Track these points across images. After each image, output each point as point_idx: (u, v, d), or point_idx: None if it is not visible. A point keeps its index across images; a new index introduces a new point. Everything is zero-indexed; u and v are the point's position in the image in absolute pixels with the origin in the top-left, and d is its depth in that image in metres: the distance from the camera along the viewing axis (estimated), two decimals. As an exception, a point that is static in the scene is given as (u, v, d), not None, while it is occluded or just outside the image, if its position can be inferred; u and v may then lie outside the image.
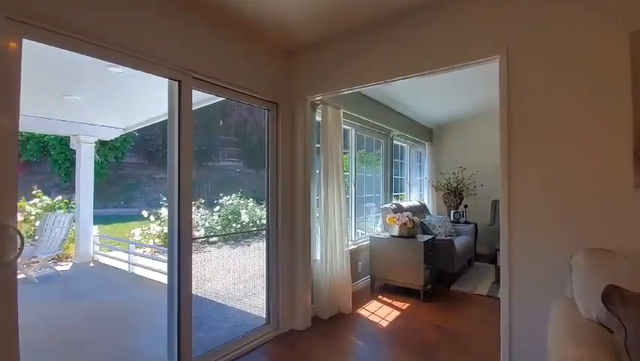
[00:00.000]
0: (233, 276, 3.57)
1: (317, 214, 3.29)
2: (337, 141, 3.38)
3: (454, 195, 5.57)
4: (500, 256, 2.05)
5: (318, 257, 3.28)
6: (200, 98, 2.80)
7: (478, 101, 5.16)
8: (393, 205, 4.39)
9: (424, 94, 4.59)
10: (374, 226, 4.88)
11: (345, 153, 3.74)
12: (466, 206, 5.56)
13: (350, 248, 3.59)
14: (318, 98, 3.04)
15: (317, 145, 3.32)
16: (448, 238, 4.43)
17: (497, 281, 4.00)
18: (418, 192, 6.15)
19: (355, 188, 4.38)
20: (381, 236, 4.04)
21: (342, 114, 3.49)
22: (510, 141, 1.99)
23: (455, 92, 4.66)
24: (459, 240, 4.61)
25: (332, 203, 3.28)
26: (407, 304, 3.57)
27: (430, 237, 4.01)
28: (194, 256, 2.25)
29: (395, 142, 5.30)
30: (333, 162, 3.31)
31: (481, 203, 5.82)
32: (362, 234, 4.53)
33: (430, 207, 5.87)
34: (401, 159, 5.66)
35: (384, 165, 4.99)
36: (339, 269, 3.28)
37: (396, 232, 3.86)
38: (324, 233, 3.22)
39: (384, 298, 3.75)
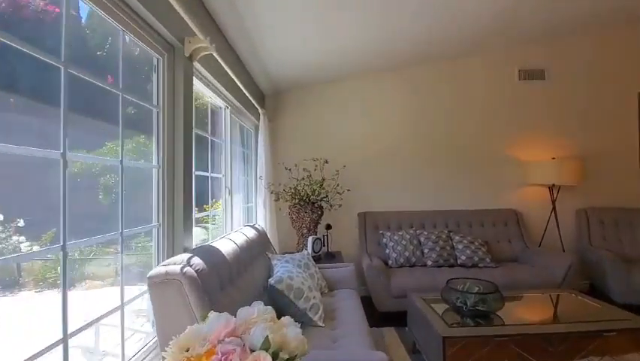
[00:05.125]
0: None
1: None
2: None
3: (309, 207, 3.12)
4: None
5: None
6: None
7: (369, 39, 2.93)
8: (186, 271, 1.39)
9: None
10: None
11: None
12: (329, 227, 3.22)
13: None
14: None
15: None
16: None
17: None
18: (243, 204, 3.32)
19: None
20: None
21: None
22: None
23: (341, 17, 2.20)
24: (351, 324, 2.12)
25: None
26: None
27: None
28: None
29: (201, 89, 2.27)
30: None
31: (346, 219, 3.66)
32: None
33: (268, 230, 3.17)
34: (213, 135, 2.65)
35: (163, 142, 1.87)
36: None
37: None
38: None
39: None
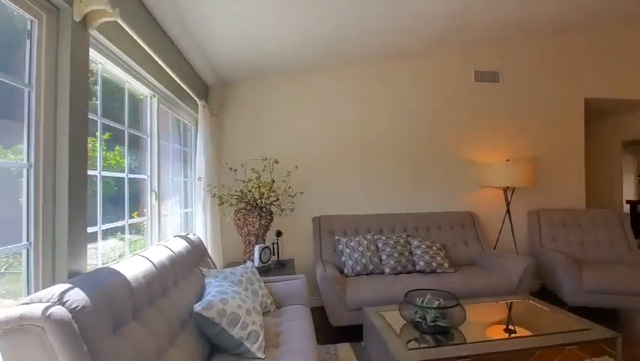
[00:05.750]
0: None
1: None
2: None
3: (257, 212, 2.77)
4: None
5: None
6: None
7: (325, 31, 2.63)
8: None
9: None
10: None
11: None
12: (279, 234, 2.89)
13: None
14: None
15: None
16: None
17: None
18: (181, 210, 2.89)
19: None
20: None
21: None
22: None
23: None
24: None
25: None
26: None
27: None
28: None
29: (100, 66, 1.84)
30: None
31: (299, 224, 3.36)
32: None
33: (208, 240, 2.77)
34: (139, 130, 2.20)
35: (38, 134, 1.44)
36: None
37: None
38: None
39: None
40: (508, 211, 3.67)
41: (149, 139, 2.22)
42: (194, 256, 2.10)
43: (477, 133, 3.81)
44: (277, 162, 2.89)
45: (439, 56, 3.74)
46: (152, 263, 1.57)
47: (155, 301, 1.49)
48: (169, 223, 2.58)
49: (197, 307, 1.60)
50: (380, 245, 3.12)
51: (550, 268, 3.18)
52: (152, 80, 2.11)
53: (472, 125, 3.80)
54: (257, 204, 2.74)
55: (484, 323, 2.12)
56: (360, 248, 3.05)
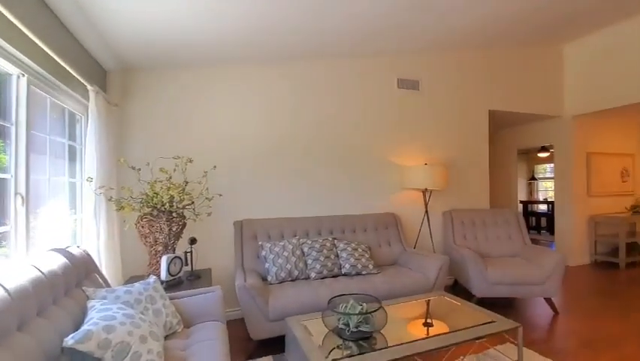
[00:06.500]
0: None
1: None
2: None
3: (166, 218, 2.42)
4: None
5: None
6: None
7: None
8: None
9: None
10: None
11: None
12: (193, 242, 2.57)
13: None
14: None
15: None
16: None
17: None
18: (70, 216, 2.38)
19: None
20: None
21: None
22: None
23: None
24: None
25: None
26: None
27: None
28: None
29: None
30: None
31: (219, 229, 3.07)
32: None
33: (101, 252, 2.32)
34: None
35: None
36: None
37: None
38: None
39: None
40: (426, 212, 3.88)
41: (13, 128, 1.75)
42: (75, 274, 1.70)
43: (400, 137, 3.96)
44: (191, 161, 2.57)
45: (365, 61, 3.80)
46: (4, 289, 1.20)
47: (8, 338, 1.13)
48: (47, 234, 2.09)
49: (69, 340, 1.26)
50: (306, 249, 3.01)
51: (461, 264, 3.42)
52: (20, 55, 1.67)
53: (395, 130, 3.93)
54: (166, 208, 2.39)
55: (404, 323, 2.13)
56: (285, 253, 2.89)
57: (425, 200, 3.92)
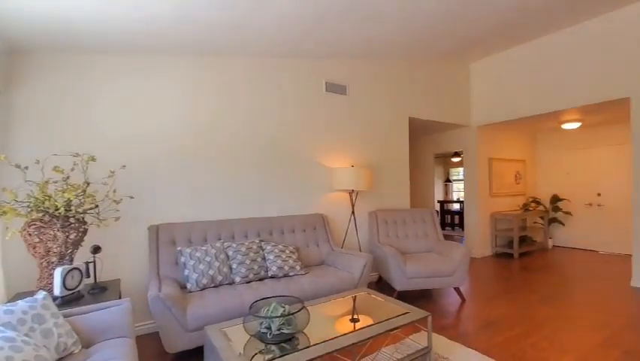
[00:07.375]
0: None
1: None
2: None
3: (61, 224, 2.09)
4: None
5: None
6: None
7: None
8: None
9: None
10: None
11: None
12: (96, 250, 2.27)
13: None
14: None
15: None
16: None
17: None
18: None
19: None
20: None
21: None
22: None
23: None
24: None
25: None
26: None
27: None
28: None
29: None
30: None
31: (131, 235, 2.76)
32: None
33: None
34: None
35: None
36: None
37: None
38: None
39: None
40: (353, 212, 4.03)
41: None
42: None
43: (328, 140, 4.05)
44: (94, 160, 2.26)
45: (294, 62, 3.81)
46: None
47: None
48: None
49: None
50: (231, 253, 2.88)
51: (384, 261, 3.62)
52: None
53: (323, 133, 4.01)
54: (60, 213, 2.07)
55: (327, 321, 2.16)
56: (208, 258, 2.73)
57: (352, 201, 4.07)
